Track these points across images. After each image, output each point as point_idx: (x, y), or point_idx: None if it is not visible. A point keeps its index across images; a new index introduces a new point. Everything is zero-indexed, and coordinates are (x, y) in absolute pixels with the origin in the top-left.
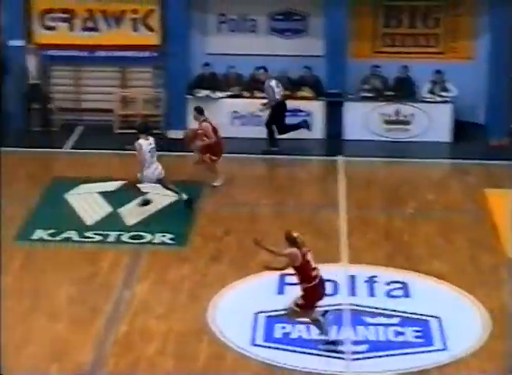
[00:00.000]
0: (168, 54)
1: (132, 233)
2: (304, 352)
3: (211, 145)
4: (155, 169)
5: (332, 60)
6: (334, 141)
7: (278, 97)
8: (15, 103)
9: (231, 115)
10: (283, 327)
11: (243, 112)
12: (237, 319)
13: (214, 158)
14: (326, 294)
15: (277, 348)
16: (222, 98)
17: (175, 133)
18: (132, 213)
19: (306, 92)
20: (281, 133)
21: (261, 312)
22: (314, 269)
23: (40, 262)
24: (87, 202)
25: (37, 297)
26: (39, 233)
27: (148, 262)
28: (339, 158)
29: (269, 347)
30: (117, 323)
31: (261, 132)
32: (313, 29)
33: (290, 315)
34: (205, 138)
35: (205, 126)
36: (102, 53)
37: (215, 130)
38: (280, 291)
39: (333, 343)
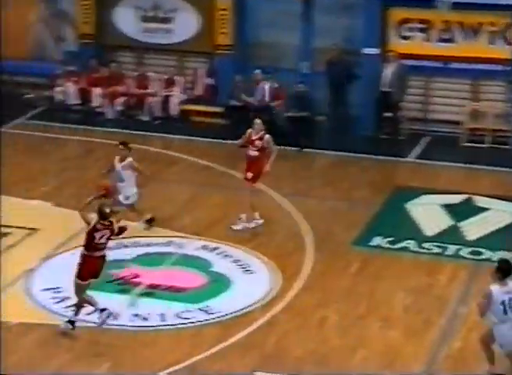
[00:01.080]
0: None
1: (471, 249)
2: None
3: None
4: None
5: None
6: None
7: None
8: (366, 109)
9: None
10: None
11: None
12: None
13: None
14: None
15: None
16: None
17: None
18: (473, 228)
19: None
20: None
21: None
22: (101, 244)
23: (377, 268)
24: (429, 213)
25: (372, 302)
26: (377, 240)
27: (486, 279)
28: None
29: None
30: (451, 337)
31: None
32: None
33: (75, 289)
34: None
35: None
36: (455, 65)
37: None
38: None
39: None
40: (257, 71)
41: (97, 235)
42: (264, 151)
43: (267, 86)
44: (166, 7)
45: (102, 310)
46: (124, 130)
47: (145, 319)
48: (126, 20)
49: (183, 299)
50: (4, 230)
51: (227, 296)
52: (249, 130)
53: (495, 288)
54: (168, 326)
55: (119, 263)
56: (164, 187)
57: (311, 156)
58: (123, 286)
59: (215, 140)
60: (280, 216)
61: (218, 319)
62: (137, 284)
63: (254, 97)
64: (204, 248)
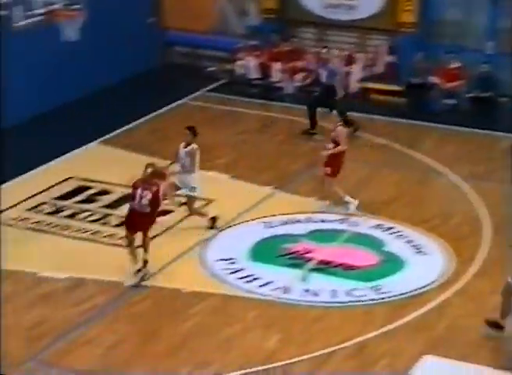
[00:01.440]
0: None
1: None
2: None
3: None
4: None
5: None
6: None
7: None
8: None
9: None
10: None
11: None
12: None
13: None
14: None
15: None
16: None
17: None
18: None
19: None
20: None
21: None
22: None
23: None
24: None
25: None
26: None
27: None
28: None
29: None
30: None
31: None
32: None
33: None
34: None
35: None
36: None
37: None
38: None
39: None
40: (324, 50)
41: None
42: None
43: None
44: None
45: (139, 270)
46: (302, 106)
47: (316, 294)
48: None
49: (355, 277)
50: (182, 199)
51: (399, 276)
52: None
53: None
54: (338, 303)
55: (292, 238)
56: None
57: (491, 138)
58: (295, 260)
59: (394, 118)
60: (458, 199)
61: (389, 299)
62: (309, 260)
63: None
64: (378, 226)
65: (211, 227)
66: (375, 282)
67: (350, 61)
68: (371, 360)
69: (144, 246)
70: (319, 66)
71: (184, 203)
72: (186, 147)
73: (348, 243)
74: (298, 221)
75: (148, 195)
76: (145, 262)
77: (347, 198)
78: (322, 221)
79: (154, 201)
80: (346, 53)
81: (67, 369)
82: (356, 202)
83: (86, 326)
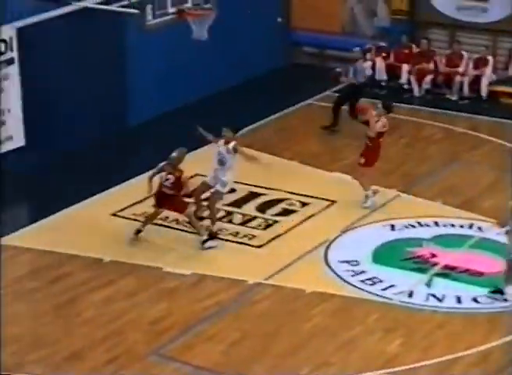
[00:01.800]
0: None
1: None
2: None
3: None
4: None
5: None
6: None
7: None
8: None
9: None
10: None
11: None
12: None
13: None
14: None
15: None
16: None
17: None
18: None
19: None
20: None
21: None
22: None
23: None
24: None
25: None
26: None
27: None
28: None
29: None
30: None
31: None
32: None
33: None
34: None
35: None
36: None
37: None
38: None
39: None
40: (356, 49)
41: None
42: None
43: (367, 64)
44: None
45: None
46: (430, 108)
47: (440, 300)
48: None
49: (481, 284)
50: (305, 199)
51: None
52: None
53: None
54: (463, 310)
55: (417, 241)
56: (467, 169)
57: None
58: (420, 265)
59: None
60: None
61: None
62: (434, 264)
63: (353, 76)
64: (507, 233)
65: (206, 240)
66: None
67: (481, 64)
68: (495, 369)
69: (193, 225)
70: (348, 65)
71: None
72: (225, 144)
73: (474, 249)
74: (423, 225)
75: (171, 179)
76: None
77: (370, 193)
78: (447, 226)
79: (177, 185)
80: (478, 56)
81: (188, 364)
82: (372, 199)
83: (208, 322)
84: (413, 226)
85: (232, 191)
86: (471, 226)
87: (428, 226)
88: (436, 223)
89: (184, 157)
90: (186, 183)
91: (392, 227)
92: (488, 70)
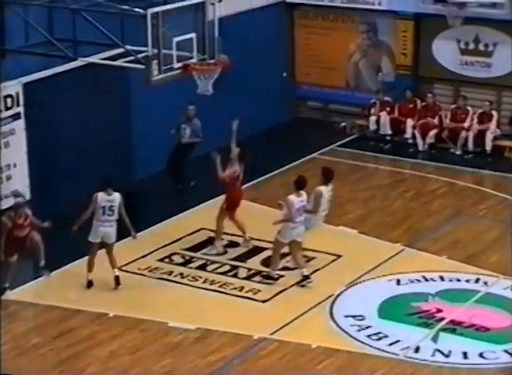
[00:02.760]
0: None
1: None
2: None
3: None
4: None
5: None
6: None
7: None
8: None
9: None
10: None
11: None
12: None
13: None
14: None
15: None
16: None
17: None
18: None
19: None
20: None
21: None
22: None
23: None
24: None
25: None
26: None
27: None
28: None
29: None
30: None
31: None
32: None
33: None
34: None
35: None
36: None
37: None
38: None
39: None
40: (191, 107)
41: None
42: None
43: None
44: (487, 40)
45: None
46: (434, 163)
47: (446, 355)
48: (444, 52)
49: (487, 339)
50: (310, 254)
51: None
52: None
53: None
54: (469, 365)
55: (422, 296)
56: (472, 223)
57: None
58: (426, 320)
59: None
60: None
61: None
62: (440, 319)
63: (185, 133)
64: None
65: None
66: (508, 345)
67: (485, 118)
68: None
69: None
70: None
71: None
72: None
73: (481, 304)
74: (428, 279)
75: None
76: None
77: (218, 241)
78: (453, 280)
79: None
80: (482, 110)
81: None
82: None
83: None
84: (418, 281)
85: (237, 245)
86: (476, 281)
87: (433, 280)
88: (442, 278)
89: None
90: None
91: (398, 282)
92: (493, 125)
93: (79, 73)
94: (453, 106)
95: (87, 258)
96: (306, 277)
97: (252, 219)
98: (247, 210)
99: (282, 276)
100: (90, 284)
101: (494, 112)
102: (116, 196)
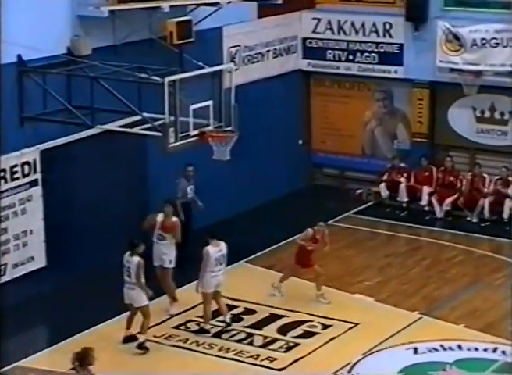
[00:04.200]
0: None
1: None
2: None
3: None
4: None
5: None
6: None
7: None
8: None
9: None
10: None
11: None
12: None
13: None
14: None
15: None
16: None
17: None
18: None
19: None
20: None
21: None
22: None
23: None
24: None
25: None
26: None
27: None
28: None
29: None
30: None
31: None
32: None
33: None
34: None
35: None
36: None
37: None
38: None
39: None
40: (190, 168)
41: None
42: None
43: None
44: (503, 108)
45: None
46: (451, 230)
47: None
48: (460, 120)
49: None
50: (326, 321)
51: None
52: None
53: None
54: None
55: (440, 365)
56: (489, 292)
57: None
58: None
59: None
60: None
61: None
62: None
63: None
64: None
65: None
66: None
67: (503, 185)
68: None
69: None
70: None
71: None
72: None
73: (499, 373)
74: (446, 348)
75: None
76: None
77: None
78: (472, 349)
79: None
80: (499, 177)
81: None
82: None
83: None
84: (436, 350)
85: (253, 312)
86: (494, 350)
87: (451, 349)
88: (459, 347)
89: None
90: None
91: (415, 351)
92: (510, 192)
93: (96, 140)
94: (469, 174)
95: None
96: (227, 324)
97: (266, 286)
98: (262, 277)
99: (298, 344)
100: None
101: (511, 179)
102: (134, 259)
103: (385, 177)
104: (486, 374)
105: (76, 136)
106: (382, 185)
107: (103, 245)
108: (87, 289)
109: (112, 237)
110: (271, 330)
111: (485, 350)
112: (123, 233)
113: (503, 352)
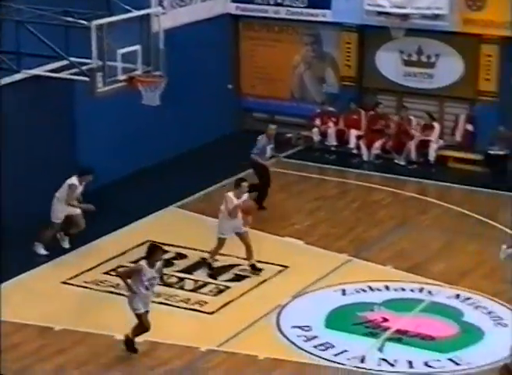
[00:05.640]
0: None
1: None
2: None
3: None
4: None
5: None
6: None
7: None
8: None
9: None
10: None
11: None
12: None
13: None
14: None
15: None
16: None
17: None
18: None
19: None
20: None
21: None
22: None
23: None
24: None
25: None
26: None
27: None
28: None
29: None
30: None
31: None
32: None
33: None
34: None
35: None
36: None
37: None
38: None
39: None
40: (273, 126)
41: None
42: None
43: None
44: (430, 51)
45: None
46: (379, 173)
47: (392, 364)
48: (388, 63)
49: (433, 347)
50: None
51: (478, 348)
52: None
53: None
54: (415, 374)
55: (368, 306)
56: (416, 233)
57: None
58: (371, 329)
59: (473, 187)
60: None
61: (468, 371)
62: (386, 329)
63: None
64: (457, 297)
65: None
66: (453, 353)
67: (428, 129)
68: None
69: None
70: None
71: None
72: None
73: (425, 312)
74: (374, 289)
75: None
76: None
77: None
78: (398, 290)
79: None
80: (425, 121)
81: None
82: None
83: None
84: (364, 291)
85: (184, 257)
86: (421, 290)
87: (378, 290)
88: (387, 288)
89: None
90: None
91: (344, 292)
92: (435, 135)
93: (22, 86)
94: (396, 117)
95: None
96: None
97: (198, 230)
98: (193, 222)
99: (228, 287)
100: None
101: (435, 124)
102: None
103: (317, 122)
104: (413, 314)
105: (2, 81)
106: (315, 130)
107: (29, 194)
108: (14, 237)
109: (40, 184)
110: (201, 275)
111: (412, 290)
112: (50, 180)
113: (430, 292)
